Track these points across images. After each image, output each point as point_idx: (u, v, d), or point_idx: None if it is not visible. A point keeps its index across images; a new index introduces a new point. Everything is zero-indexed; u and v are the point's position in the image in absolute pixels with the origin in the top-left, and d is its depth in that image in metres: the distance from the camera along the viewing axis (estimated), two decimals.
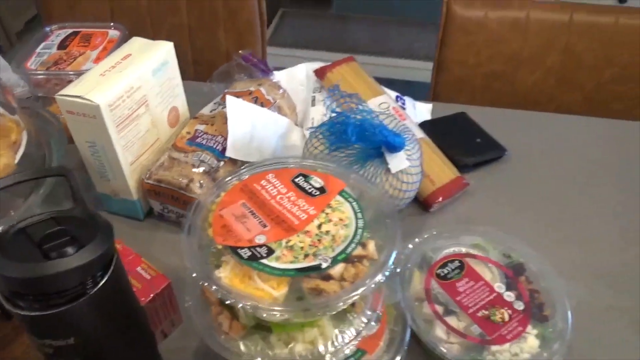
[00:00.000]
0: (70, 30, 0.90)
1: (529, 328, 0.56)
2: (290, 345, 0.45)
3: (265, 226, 0.46)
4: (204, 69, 1.20)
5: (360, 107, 0.61)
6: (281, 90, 0.84)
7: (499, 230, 0.66)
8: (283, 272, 0.42)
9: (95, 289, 0.39)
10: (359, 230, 0.46)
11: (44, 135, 0.70)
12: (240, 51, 0.86)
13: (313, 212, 0.47)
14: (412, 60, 2.08)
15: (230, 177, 0.51)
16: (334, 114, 0.62)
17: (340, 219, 0.47)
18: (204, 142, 0.71)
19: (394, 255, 0.44)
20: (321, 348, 0.45)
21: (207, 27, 1.16)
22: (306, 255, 0.43)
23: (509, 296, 0.59)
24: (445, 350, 0.54)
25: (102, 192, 0.72)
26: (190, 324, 0.60)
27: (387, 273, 0.43)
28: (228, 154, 0.69)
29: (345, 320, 0.47)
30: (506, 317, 0.57)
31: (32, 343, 0.41)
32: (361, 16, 2.39)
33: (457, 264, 0.62)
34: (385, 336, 0.55)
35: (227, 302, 0.42)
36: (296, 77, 0.92)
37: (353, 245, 0.45)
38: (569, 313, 0.57)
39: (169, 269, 0.59)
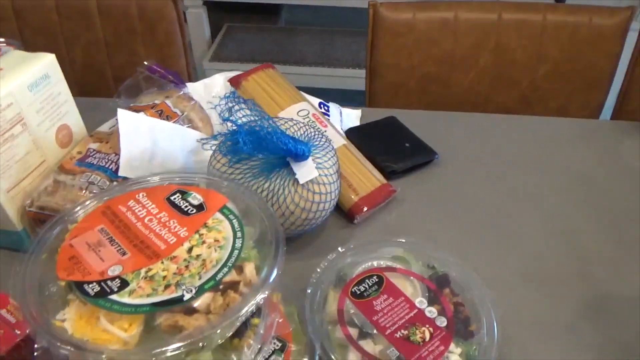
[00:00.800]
0: None
1: (452, 347, 0.51)
2: None
3: (124, 254, 0.39)
4: None
5: (255, 113, 0.55)
6: (192, 102, 0.78)
7: (424, 239, 0.61)
8: (135, 309, 0.35)
9: None
10: (235, 252, 0.40)
11: None
12: (145, 62, 0.79)
13: (184, 234, 0.41)
14: (360, 70, 2.05)
15: (91, 200, 0.44)
16: (228, 124, 0.56)
17: (216, 240, 0.41)
18: (94, 161, 0.64)
19: (274, 274, 0.38)
20: None
21: (124, 43, 1.09)
22: (167, 286, 0.37)
23: (431, 312, 0.53)
24: None
25: None
26: None
27: (265, 294, 0.37)
28: (121, 173, 0.62)
29: (227, 357, 0.41)
30: (427, 336, 0.51)
31: None
32: (308, 28, 2.36)
33: (375, 279, 0.56)
34: None
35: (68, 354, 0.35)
36: (213, 88, 0.86)
37: (225, 269, 0.38)
38: (495, 326, 0.52)
39: None
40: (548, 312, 0.61)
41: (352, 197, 0.71)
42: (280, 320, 0.50)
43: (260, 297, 0.38)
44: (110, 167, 0.63)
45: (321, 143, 0.63)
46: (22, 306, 0.35)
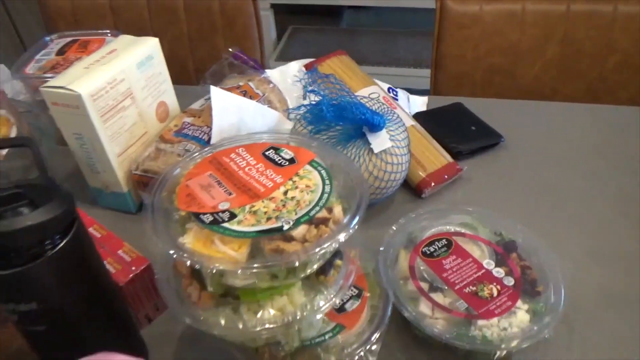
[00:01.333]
0: (69, 39, 0.93)
1: (519, 303, 0.54)
2: (259, 314, 0.44)
3: (230, 194, 0.46)
4: None
5: (338, 86, 0.61)
6: (271, 85, 0.85)
7: (491, 210, 0.64)
8: (244, 234, 0.41)
9: (54, 252, 0.39)
10: (325, 195, 0.45)
11: (36, 133, 0.72)
12: (230, 49, 0.87)
13: (280, 180, 0.47)
14: (421, 69, 2.08)
15: (199, 152, 0.51)
16: (311, 95, 0.62)
17: (307, 186, 0.46)
18: (189, 132, 0.72)
19: (357, 218, 0.43)
20: (290, 317, 0.44)
21: (206, 37, 1.19)
22: (268, 219, 0.43)
23: (498, 272, 0.57)
24: (429, 326, 0.52)
25: (94, 186, 0.73)
26: None
27: (350, 232, 0.42)
28: (213, 141, 0.70)
29: (315, 290, 0.46)
30: (494, 293, 0.54)
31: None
32: (369, 29, 2.41)
33: (444, 242, 0.60)
34: (366, 313, 0.53)
35: (191, 265, 0.42)
36: (288, 74, 0.93)
37: (317, 208, 0.44)
38: (562, 288, 0.55)
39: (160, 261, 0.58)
40: (614, 285, 0.62)
41: (420, 173, 0.75)
42: (356, 273, 0.55)
43: (346, 235, 0.43)
44: (203, 138, 0.71)
45: (394, 118, 0.68)
46: (154, 230, 0.42)
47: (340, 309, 0.53)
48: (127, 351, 0.36)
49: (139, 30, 1.20)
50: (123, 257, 0.57)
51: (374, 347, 0.51)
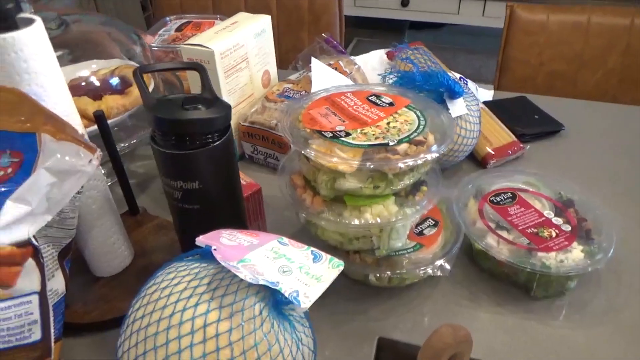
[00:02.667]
0: (184, 20, 1.09)
1: (575, 244, 0.62)
2: (360, 216, 0.55)
3: (343, 121, 0.57)
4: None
5: (426, 56, 0.72)
6: (357, 66, 0.97)
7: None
8: (358, 146, 0.53)
9: (215, 144, 0.51)
10: (421, 126, 0.56)
11: (168, 91, 0.87)
12: (323, 34, 1.00)
13: (383, 115, 0.58)
14: (480, 84, 2.16)
15: (315, 93, 0.63)
16: (404, 62, 0.73)
17: (406, 120, 0.57)
18: (290, 94, 0.84)
19: (447, 142, 0.54)
20: (385, 219, 0.54)
21: (293, 30, 1.33)
22: (376, 138, 0.54)
23: (557, 220, 0.65)
24: (496, 254, 0.61)
25: None
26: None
27: (440, 152, 0.53)
28: None
29: (405, 205, 0.57)
30: (553, 235, 0.63)
31: (166, 188, 0.54)
32: (430, 45, 2.52)
33: (509, 195, 0.69)
34: (441, 239, 0.63)
35: (307, 176, 0.53)
36: (370, 61, 1.05)
37: (415, 134, 0.54)
38: (614, 238, 0.62)
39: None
40: None
41: (487, 147, 0.84)
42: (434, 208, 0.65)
43: (436, 155, 0.53)
44: None
45: (469, 92, 0.78)
46: (289, 138, 0.54)
47: (420, 233, 0.63)
48: None
49: None
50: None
51: (446, 265, 0.60)
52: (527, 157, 0.87)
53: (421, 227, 0.63)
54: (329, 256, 0.47)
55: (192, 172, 0.52)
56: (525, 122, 0.93)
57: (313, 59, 0.86)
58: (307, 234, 0.62)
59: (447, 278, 0.64)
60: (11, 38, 0.45)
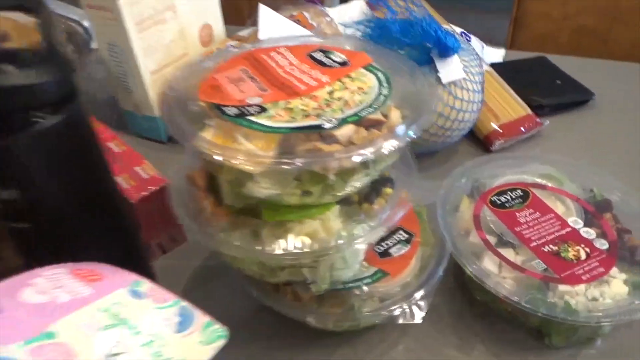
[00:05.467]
0: None
1: (614, 271, 0.42)
2: (283, 239, 0.35)
3: (264, 90, 0.37)
4: None
5: (413, 4, 0.51)
6: (328, 18, 0.76)
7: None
8: (273, 129, 0.33)
9: (41, 126, 0.32)
10: (381, 97, 0.36)
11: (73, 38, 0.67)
12: None
13: (326, 80, 0.38)
14: (491, 47, 1.92)
15: (235, 49, 0.43)
16: (377, 6, 0.52)
17: (360, 87, 0.37)
18: None
19: (422, 121, 0.34)
20: (321, 245, 0.35)
21: None
22: (306, 116, 0.34)
23: (588, 233, 0.45)
24: (495, 285, 0.41)
25: (126, 109, 0.67)
26: (194, 244, 0.53)
27: (407, 139, 0.33)
28: None
29: (355, 219, 0.37)
30: (582, 256, 0.43)
31: None
32: (439, 5, 2.27)
33: (518, 193, 0.49)
34: (415, 262, 0.44)
35: (207, 175, 0.34)
36: (348, 12, 0.83)
37: (370, 110, 0.34)
38: None
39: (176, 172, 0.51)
40: None
41: (492, 123, 0.64)
42: (408, 215, 0.45)
43: (401, 144, 0.33)
44: None
45: (468, 48, 0.57)
46: (170, 122, 0.35)
47: (384, 254, 0.43)
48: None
49: None
50: (140, 173, 0.50)
51: (421, 304, 0.41)
52: (545, 135, 0.67)
53: (386, 244, 0.44)
54: (205, 320, 0.28)
55: (6, 174, 0.33)
56: (545, 89, 0.72)
57: (261, 6, 0.65)
58: None
59: (424, 316, 0.44)
60: None
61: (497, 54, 0.83)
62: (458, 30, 0.78)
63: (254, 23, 0.79)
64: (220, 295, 0.47)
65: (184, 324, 0.27)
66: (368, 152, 0.32)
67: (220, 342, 0.26)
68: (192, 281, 0.50)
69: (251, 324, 0.44)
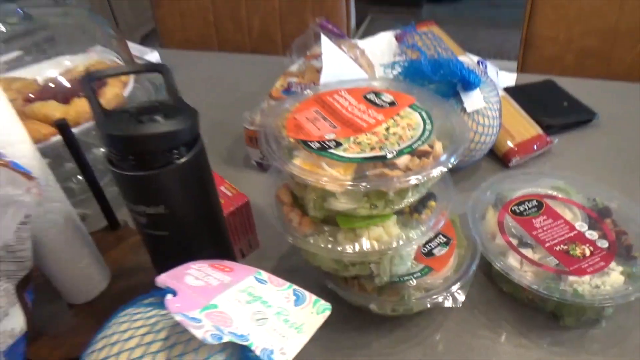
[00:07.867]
0: None
1: (613, 265, 0.53)
2: (356, 242, 0.46)
3: (334, 127, 0.48)
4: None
5: (436, 42, 0.62)
6: (359, 50, 0.87)
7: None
8: (350, 159, 0.44)
9: (181, 161, 0.43)
10: (427, 132, 0.47)
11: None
12: (317, 19, 0.90)
13: (382, 118, 0.49)
14: (502, 61, 2.02)
15: (305, 92, 0.54)
16: (410, 49, 0.63)
17: (409, 124, 0.48)
18: (298, 90, 0.75)
19: (460, 151, 0.45)
20: (385, 245, 0.46)
21: (296, 12, 1.23)
22: (372, 149, 0.45)
23: (592, 235, 0.56)
24: (518, 277, 0.52)
25: None
26: (266, 249, 0.64)
27: (449, 165, 0.43)
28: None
29: (409, 226, 0.48)
30: (587, 253, 0.54)
31: (130, 214, 0.46)
32: (449, 19, 2.39)
33: (534, 203, 0.60)
34: (453, 260, 0.55)
35: (293, 193, 0.45)
36: (377, 44, 0.94)
37: (419, 142, 0.45)
38: None
39: (256, 207, 0.62)
40: None
41: (509, 142, 0.74)
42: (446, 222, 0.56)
43: (444, 170, 0.44)
44: None
45: (487, 81, 0.68)
46: (267, 152, 0.46)
47: (429, 254, 0.54)
48: None
49: (233, 4, 1.27)
50: (225, 192, 0.61)
51: (459, 291, 0.52)
52: (554, 152, 0.77)
53: (430, 246, 0.55)
54: (313, 297, 0.39)
55: (156, 195, 0.44)
56: (553, 111, 0.82)
57: (323, 38, 0.75)
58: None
59: (462, 303, 0.55)
60: None
61: (510, 78, 0.93)
62: (475, 59, 0.88)
63: (300, 53, 0.90)
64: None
65: (299, 301, 0.38)
66: (421, 177, 0.42)
67: (327, 313, 0.37)
68: None
69: None
